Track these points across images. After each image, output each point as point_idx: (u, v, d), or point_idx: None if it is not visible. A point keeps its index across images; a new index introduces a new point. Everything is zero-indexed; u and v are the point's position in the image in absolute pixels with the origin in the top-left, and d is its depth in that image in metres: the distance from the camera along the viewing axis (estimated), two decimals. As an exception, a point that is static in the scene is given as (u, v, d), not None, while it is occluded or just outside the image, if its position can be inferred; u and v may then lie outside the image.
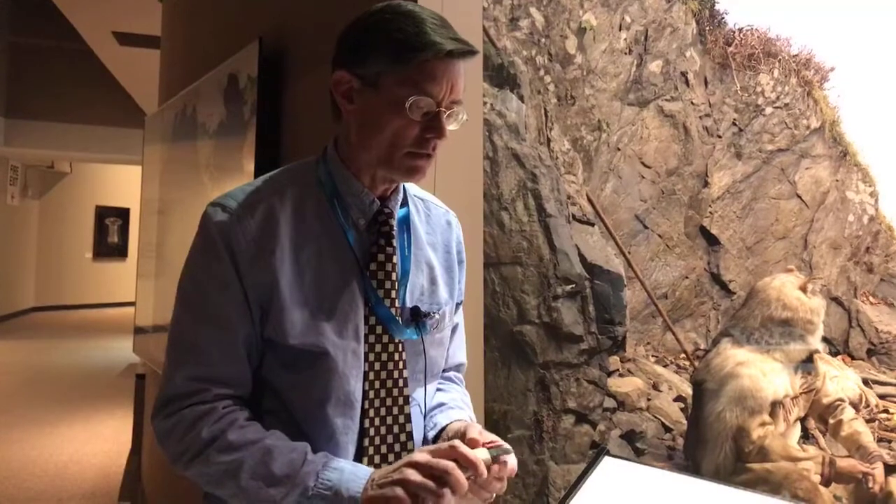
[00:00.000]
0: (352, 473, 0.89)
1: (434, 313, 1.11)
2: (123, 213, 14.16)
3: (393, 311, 1.05)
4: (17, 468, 4.69)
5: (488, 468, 0.92)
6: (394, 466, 0.88)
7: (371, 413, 1.04)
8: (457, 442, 0.88)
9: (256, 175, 2.13)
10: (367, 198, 1.05)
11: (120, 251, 14.24)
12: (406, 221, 1.12)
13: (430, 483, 0.83)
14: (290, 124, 2.17)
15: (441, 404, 1.17)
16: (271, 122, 2.20)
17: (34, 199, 12.83)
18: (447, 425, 1.09)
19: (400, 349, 1.06)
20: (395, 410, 1.06)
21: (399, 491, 0.84)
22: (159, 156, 3.70)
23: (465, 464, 0.85)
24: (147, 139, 4.09)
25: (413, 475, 0.84)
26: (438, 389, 1.20)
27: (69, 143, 10.23)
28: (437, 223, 1.19)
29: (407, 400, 1.07)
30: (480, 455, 0.89)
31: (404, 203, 1.13)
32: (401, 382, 1.06)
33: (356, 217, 1.06)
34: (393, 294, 1.06)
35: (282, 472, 0.90)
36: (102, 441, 5.32)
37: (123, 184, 13.64)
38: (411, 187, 1.17)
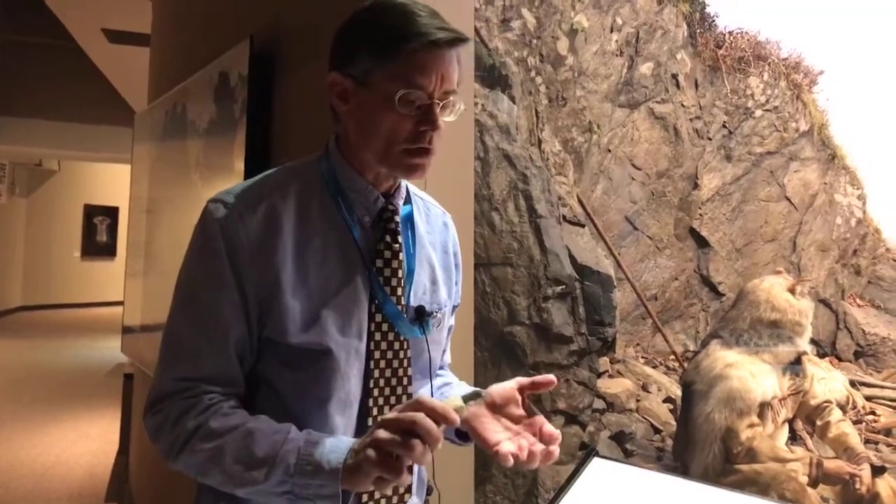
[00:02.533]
0: (333, 446, 0.88)
1: (436, 313, 1.11)
2: (112, 212, 14.07)
3: (399, 308, 1.05)
4: (4, 468, 4.65)
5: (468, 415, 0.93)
6: (369, 431, 0.87)
7: (375, 412, 1.03)
8: (423, 395, 0.87)
9: (247, 174, 2.12)
10: (371, 194, 1.04)
11: (108, 250, 14.15)
12: (409, 219, 1.11)
13: (399, 437, 0.81)
14: (281, 123, 2.16)
15: (447, 383, 1.19)
16: (262, 120, 2.19)
17: (22, 197, 12.74)
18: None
19: (405, 347, 1.06)
20: None
21: (370, 452, 0.82)
22: (149, 154, 3.68)
23: (433, 414, 0.83)
24: (136, 137, 4.07)
25: (382, 434, 0.82)
26: (437, 376, 1.20)
27: (57, 140, 10.15)
28: (436, 223, 1.19)
29: (411, 397, 1.06)
30: (452, 403, 0.88)
31: (407, 201, 1.12)
32: (405, 381, 1.06)
33: (361, 214, 1.04)
34: (399, 291, 1.05)
35: (263, 453, 0.89)
36: (90, 441, 5.29)
37: (112, 182, 13.55)
38: (411, 186, 1.16)
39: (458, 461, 1.62)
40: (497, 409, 1.01)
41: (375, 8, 0.98)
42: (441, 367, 1.25)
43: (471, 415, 1.01)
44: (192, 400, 0.95)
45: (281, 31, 2.21)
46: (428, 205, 1.20)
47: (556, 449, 0.96)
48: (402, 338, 1.05)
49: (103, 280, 13.74)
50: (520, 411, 1.00)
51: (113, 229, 14.16)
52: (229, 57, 2.38)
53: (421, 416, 0.82)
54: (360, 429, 1.03)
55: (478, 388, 1.00)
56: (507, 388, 1.01)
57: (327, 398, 0.99)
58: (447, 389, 1.18)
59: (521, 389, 1.00)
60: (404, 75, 0.94)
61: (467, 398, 0.91)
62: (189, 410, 0.94)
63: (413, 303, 1.07)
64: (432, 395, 1.12)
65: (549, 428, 0.97)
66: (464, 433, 1.06)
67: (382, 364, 1.03)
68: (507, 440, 0.96)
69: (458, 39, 0.96)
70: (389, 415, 0.85)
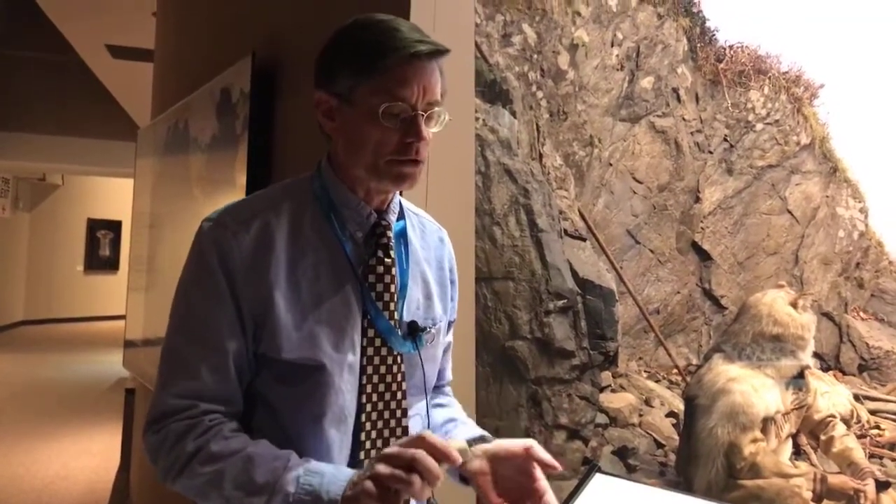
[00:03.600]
0: (333, 476, 0.88)
1: (430, 328, 1.10)
2: (115, 226, 14.09)
3: (392, 323, 1.05)
4: (4, 483, 4.64)
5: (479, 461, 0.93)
6: (368, 464, 0.87)
7: (368, 426, 1.03)
8: (426, 432, 0.86)
9: (248, 189, 2.13)
10: (363, 210, 1.05)
11: (111, 264, 14.15)
12: (403, 235, 1.12)
13: (399, 472, 0.81)
14: (282, 139, 2.17)
15: (453, 419, 1.18)
16: (263, 136, 2.21)
17: (25, 211, 12.77)
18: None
19: (399, 362, 1.06)
20: (393, 423, 1.05)
21: (369, 485, 0.82)
22: (151, 169, 3.69)
23: (435, 452, 0.83)
24: (139, 152, 4.09)
25: (382, 468, 0.82)
26: (440, 405, 1.20)
27: (61, 155, 10.19)
28: (431, 239, 1.19)
29: (405, 413, 1.06)
30: (455, 444, 0.88)
31: (400, 217, 1.13)
32: (399, 395, 1.06)
33: (353, 230, 1.05)
34: (392, 306, 1.05)
35: (263, 479, 0.88)
36: (90, 456, 5.27)
37: (115, 196, 13.58)
38: (405, 202, 1.17)
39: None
40: (500, 465, 0.99)
41: (356, 26, 1.00)
42: (442, 387, 1.25)
43: (477, 469, 1.00)
44: (193, 421, 0.95)
45: (282, 48, 2.22)
46: (423, 220, 1.20)
47: None
48: (395, 353, 1.05)
49: (106, 294, 13.74)
50: (524, 474, 0.98)
51: (116, 243, 14.18)
52: (231, 73, 2.39)
53: (421, 454, 0.82)
54: (356, 444, 1.02)
55: (484, 433, 0.99)
56: (514, 448, 0.99)
57: (322, 414, 0.99)
58: (451, 427, 1.16)
59: (528, 456, 0.98)
60: (386, 89, 0.95)
61: (472, 441, 0.91)
62: (189, 432, 0.94)
63: (406, 318, 1.08)
64: (427, 411, 1.12)
65: (549, 499, 0.96)
66: (465, 478, 1.05)
67: (375, 379, 1.03)
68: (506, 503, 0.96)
69: (437, 51, 0.97)
70: (390, 449, 0.85)
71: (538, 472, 0.98)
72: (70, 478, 4.80)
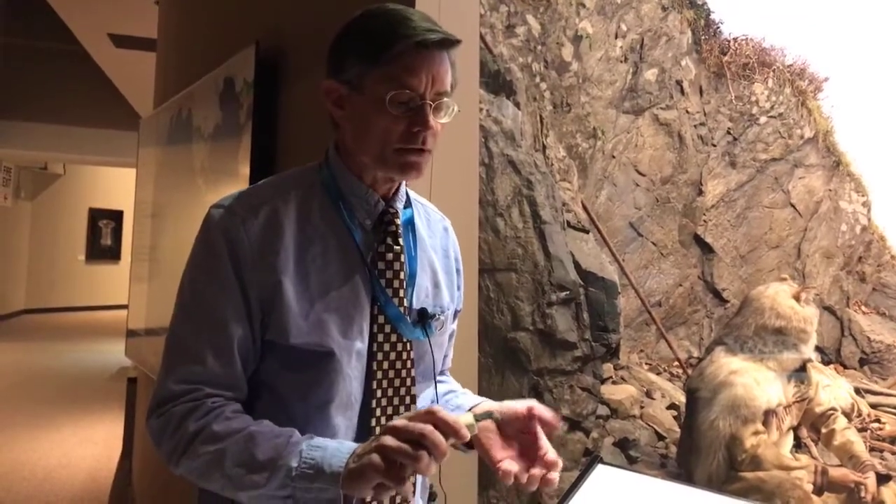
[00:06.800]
0: (335, 450, 0.87)
1: (439, 315, 1.11)
2: (116, 216, 14.11)
3: (401, 310, 1.05)
4: (6, 471, 4.66)
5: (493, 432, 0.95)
6: (374, 436, 0.85)
7: (378, 412, 1.03)
8: (435, 406, 0.85)
9: (252, 178, 2.13)
10: (371, 198, 1.05)
11: (113, 254, 14.18)
12: (410, 223, 1.12)
13: (406, 446, 0.80)
14: (286, 128, 2.17)
15: (452, 391, 1.20)
16: (267, 125, 2.20)
17: (27, 200, 12.78)
18: (477, 404, 1.11)
19: (408, 348, 1.06)
20: (402, 410, 1.06)
21: (375, 457, 0.81)
22: (154, 158, 3.69)
23: (444, 428, 0.82)
24: (142, 142, 4.08)
25: (389, 440, 0.81)
26: (439, 381, 1.21)
27: (63, 144, 10.19)
28: (436, 228, 1.20)
29: (414, 399, 1.07)
30: (463, 419, 0.86)
31: (407, 205, 1.13)
32: (408, 382, 1.06)
33: (362, 218, 1.05)
34: (401, 294, 1.06)
35: (265, 456, 0.88)
36: (92, 445, 5.29)
37: (117, 186, 13.60)
38: (411, 191, 1.17)
39: (462, 465, 1.62)
40: (504, 425, 1.02)
41: (367, 14, 1.00)
42: (442, 372, 1.25)
43: (479, 428, 1.01)
44: (195, 403, 0.95)
45: (286, 37, 2.22)
46: (428, 210, 1.21)
47: (555, 476, 0.96)
48: (404, 340, 1.05)
49: (107, 284, 13.77)
50: (526, 433, 1.00)
51: (117, 233, 14.21)
52: (235, 62, 2.39)
53: (430, 429, 0.81)
54: (362, 430, 1.03)
55: (491, 409, 1.00)
56: (518, 408, 1.01)
57: (329, 400, 1.00)
58: (452, 397, 1.18)
59: (531, 415, 1.00)
60: (394, 77, 0.95)
61: (479, 417, 0.90)
62: (191, 413, 0.94)
63: (415, 305, 1.08)
64: (437, 398, 1.13)
65: (551, 455, 0.98)
66: (469, 442, 1.07)
67: (385, 365, 1.04)
68: (510, 459, 0.98)
69: (447, 41, 0.97)
70: (398, 421, 0.84)
71: (540, 432, 1.00)
72: (72, 466, 4.82)
